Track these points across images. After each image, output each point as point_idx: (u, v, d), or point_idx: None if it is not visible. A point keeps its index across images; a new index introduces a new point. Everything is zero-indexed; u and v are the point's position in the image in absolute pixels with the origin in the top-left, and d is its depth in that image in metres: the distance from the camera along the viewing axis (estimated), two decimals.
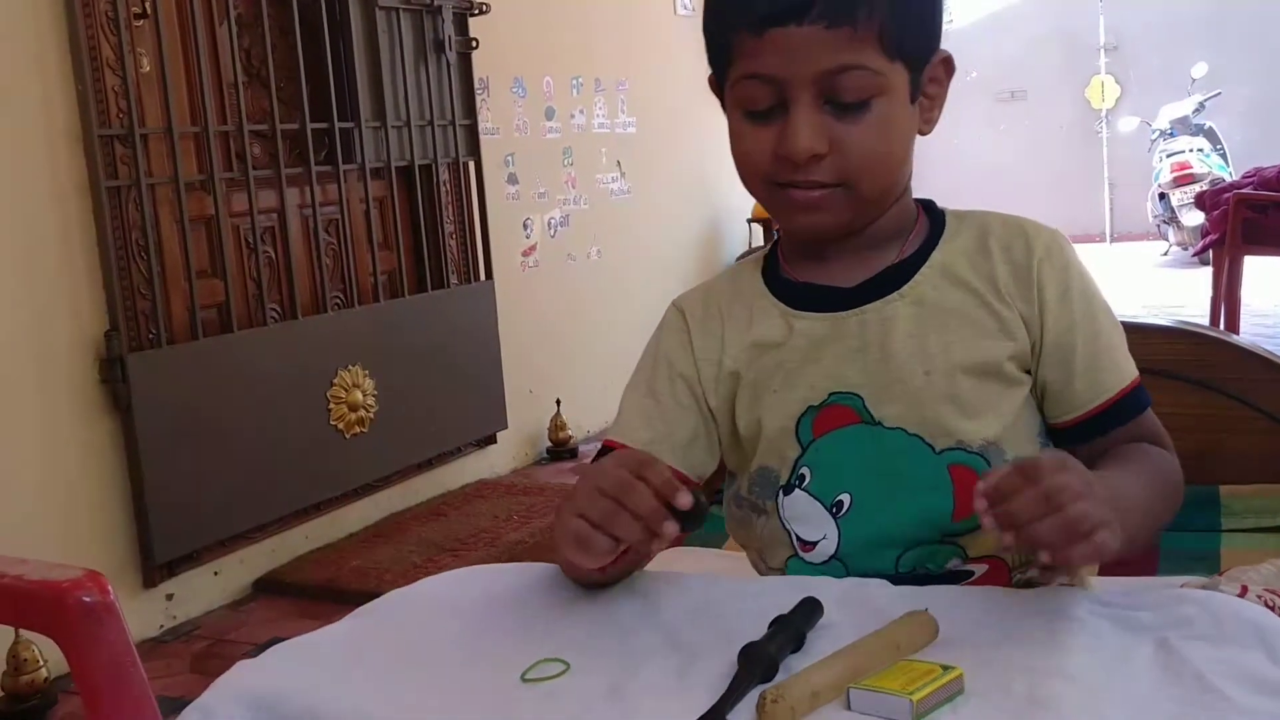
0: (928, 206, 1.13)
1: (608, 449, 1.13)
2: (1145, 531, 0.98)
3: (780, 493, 1.09)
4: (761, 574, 1.16)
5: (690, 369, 1.14)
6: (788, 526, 1.09)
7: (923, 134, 1.08)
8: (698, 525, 0.88)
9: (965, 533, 1.05)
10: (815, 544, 1.08)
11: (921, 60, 1.04)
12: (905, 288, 1.07)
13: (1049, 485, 0.83)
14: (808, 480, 1.08)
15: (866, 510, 1.06)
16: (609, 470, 0.91)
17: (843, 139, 1.00)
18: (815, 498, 1.07)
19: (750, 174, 1.06)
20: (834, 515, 1.07)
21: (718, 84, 1.09)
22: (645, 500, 0.87)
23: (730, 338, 1.13)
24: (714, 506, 1.19)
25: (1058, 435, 1.10)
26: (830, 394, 1.07)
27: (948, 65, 1.08)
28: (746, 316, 1.13)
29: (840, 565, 1.07)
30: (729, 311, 1.14)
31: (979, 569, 1.06)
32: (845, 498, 1.07)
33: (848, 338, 1.07)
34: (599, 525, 0.88)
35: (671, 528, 0.88)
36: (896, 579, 1.01)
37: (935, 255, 1.08)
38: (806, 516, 1.08)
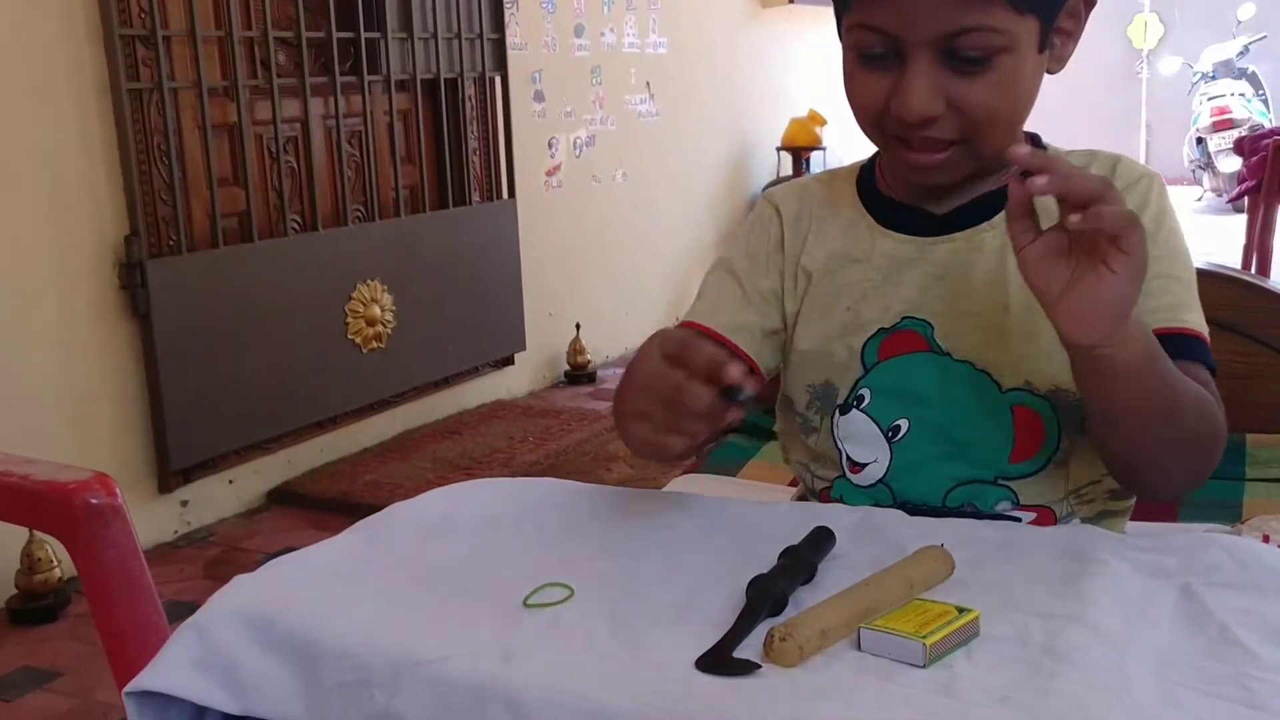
0: (1034, 139, 1.09)
1: (683, 328, 1.10)
2: (1163, 410, 0.90)
3: (837, 411, 1.08)
4: (808, 487, 1.16)
5: (778, 265, 1.13)
6: (840, 445, 1.08)
7: (1051, 73, 1.02)
8: (756, 404, 0.84)
9: (1020, 477, 1.03)
10: (865, 466, 1.06)
11: (1057, 6, 0.98)
12: (996, 218, 1.03)
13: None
14: (866, 402, 1.06)
15: (923, 439, 1.04)
16: (656, 369, 0.86)
17: (961, 97, 0.95)
18: (872, 419, 1.06)
19: (863, 118, 1.02)
20: (889, 439, 1.05)
21: (835, 16, 1.03)
22: (699, 398, 0.83)
23: (813, 240, 1.12)
24: (735, 435, 1.18)
25: None
26: (903, 317, 1.05)
27: (1089, 1, 1.01)
28: (833, 223, 1.12)
29: (886, 490, 1.05)
30: (818, 214, 1.13)
31: (1027, 516, 1.04)
32: (903, 423, 1.05)
33: (930, 264, 1.05)
34: (664, 429, 0.86)
35: (735, 415, 0.84)
36: (941, 513, 1.00)
37: None
38: (860, 437, 1.07)
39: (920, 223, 1.06)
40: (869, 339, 1.06)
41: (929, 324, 1.04)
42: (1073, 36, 1.01)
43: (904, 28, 0.94)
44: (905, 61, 0.95)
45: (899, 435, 1.05)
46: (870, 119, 1.01)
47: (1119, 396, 0.90)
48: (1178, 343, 0.99)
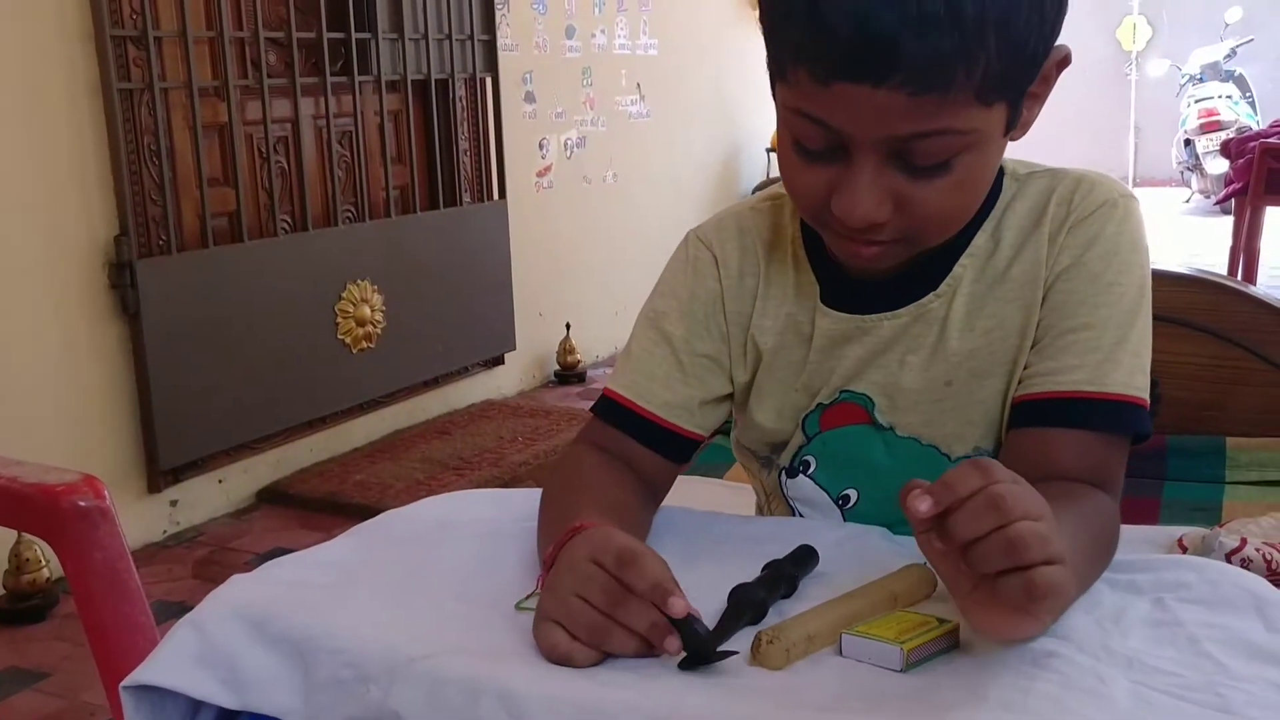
0: None
1: (610, 402, 1.03)
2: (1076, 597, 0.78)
3: (783, 473, 1.06)
4: (762, 509, 1.14)
5: (720, 329, 1.03)
6: (793, 506, 1.06)
7: (1014, 140, 0.90)
8: (705, 652, 0.73)
9: None
10: None
11: (1027, 83, 0.84)
12: (942, 286, 0.96)
13: (995, 490, 0.67)
14: (812, 468, 1.04)
15: (874, 510, 1.01)
16: (590, 573, 0.75)
17: (911, 201, 0.84)
18: (821, 487, 1.04)
19: (801, 207, 0.92)
20: (840, 507, 1.04)
21: (770, 81, 0.89)
22: (643, 615, 0.73)
23: (760, 308, 1.02)
24: (719, 436, 1.18)
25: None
26: (841, 391, 1.00)
27: (1064, 62, 0.87)
28: (781, 285, 1.02)
29: None
30: (765, 272, 1.02)
31: None
32: (852, 493, 1.03)
33: (870, 341, 0.98)
34: (585, 642, 0.74)
35: (674, 644, 0.72)
36: None
37: (979, 238, 0.96)
38: (812, 502, 1.05)
39: (863, 296, 0.98)
40: (809, 413, 1.01)
41: (869, 398, 0.99)
42: (1041, 99, 0.88)
43: (850, 125, 0.81)
44: (850, 159, 0.83)
45: (850, 504, 1.03)
46: (809, 211, 0.90)
47: None
48: (1093, 410, 0.90)
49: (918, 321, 0.97)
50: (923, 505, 0.68)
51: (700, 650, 0.73)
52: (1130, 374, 0.91)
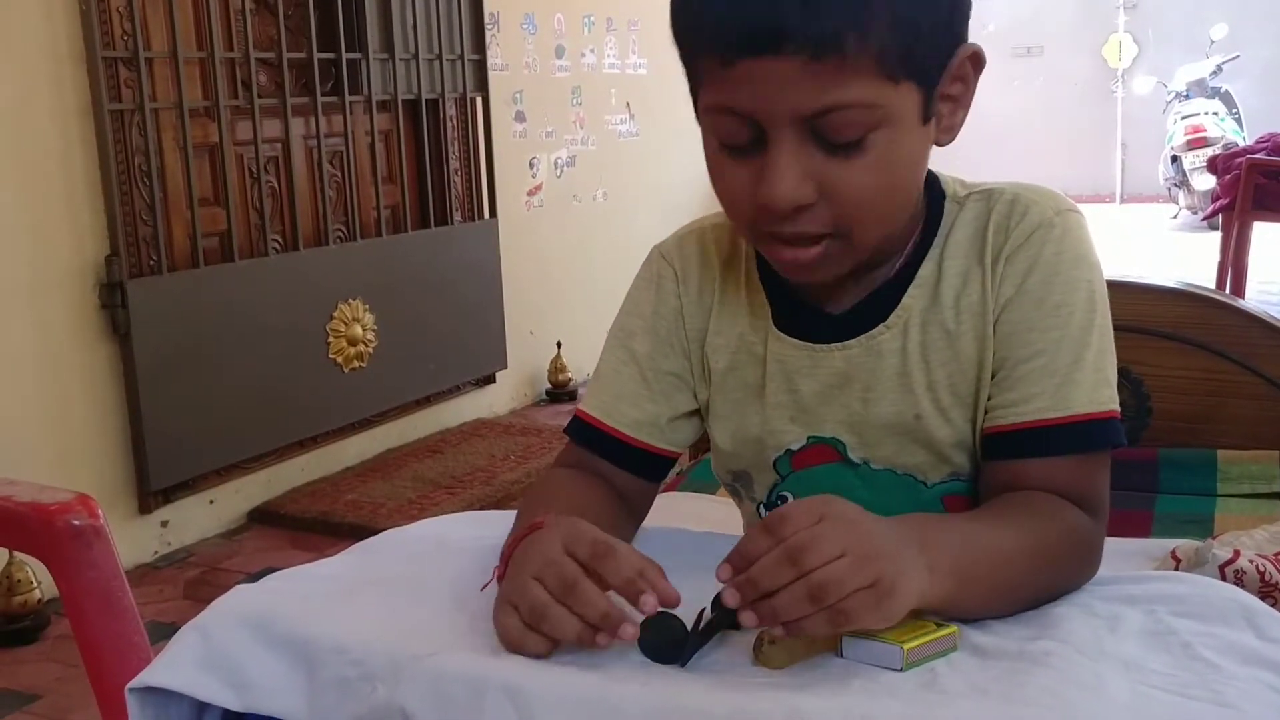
0: (928, 183, 0.96)
1: (582, 423, 1.04)
2: (1002, 593, 0.81)
3: (760, 506, 1.06)
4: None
5: (681, 344, 1.04)
6: None
7: (940, 144, 0.91)
8: (676, 651, 0.76)
9: None
10: None
11: (938, 70, 0.86)
12: (892, 316, 0.96)
13: (792, 543, 0.72)
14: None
15: None
16: (554, 559, 0.77)
17: (834, 182, 0.84)
18: None
19: (733, 213, 0.92)
20: None
21: (693, 100, 0.92)
22: (595, 604, 0.75)
23: (715, 325, 1.03)
24: (708, 454, 1.18)
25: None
26: (809, 437, 0.99)
27: (976, 60, 0.89)
28: (736, 302, 1.02)
29: None
30: (722, 286, 1.03)
31: None
32: None
33: (825, 373, 0.98)
34: (529, 624, 0.76)
35: (629, 631, 0.74)
36: None
37: (924, 268, 0.96)
38: None
39: (815, 325, 0.98)
40: (779, 456, 1.01)
41: (838, 440, 0.99)
42: (961, 103, 0.90)
43: (760, 107, 0.83)
44: (768, 146, 0.84)
45: None
46: (741, 214, 0.90)
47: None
48: (1059, 435, 0.90)
49: (870, 355, 0.96)
50: (723, 573, 0.74)
51: (676, 645, 0.75)
52: (1093, 389, 0.91)
